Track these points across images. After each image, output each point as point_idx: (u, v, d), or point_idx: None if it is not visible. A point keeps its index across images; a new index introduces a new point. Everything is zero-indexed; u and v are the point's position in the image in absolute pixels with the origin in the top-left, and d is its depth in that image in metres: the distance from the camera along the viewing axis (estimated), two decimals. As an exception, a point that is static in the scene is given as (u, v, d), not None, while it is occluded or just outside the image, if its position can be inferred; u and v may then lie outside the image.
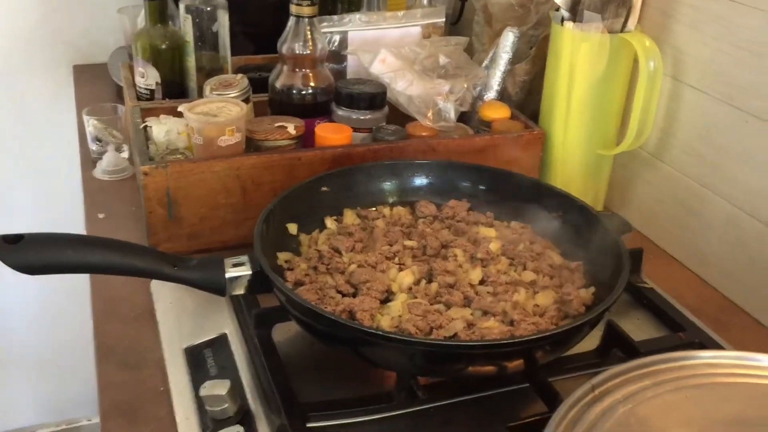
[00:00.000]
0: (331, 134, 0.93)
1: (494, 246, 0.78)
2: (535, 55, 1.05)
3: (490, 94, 1.06)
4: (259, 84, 1.04)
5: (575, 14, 0.94)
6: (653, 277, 0.87)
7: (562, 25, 0.93)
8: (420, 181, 0.87)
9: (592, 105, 0.95)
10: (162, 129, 0.91)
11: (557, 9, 0.95)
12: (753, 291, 0.83)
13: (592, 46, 0.91)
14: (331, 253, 0.77)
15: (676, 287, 0.87)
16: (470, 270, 0.75)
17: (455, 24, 1.35)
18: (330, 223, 0.83)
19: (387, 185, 0.87)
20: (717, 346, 0.75)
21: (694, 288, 0.88)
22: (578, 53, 0.92)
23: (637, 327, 0.79)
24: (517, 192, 0.85)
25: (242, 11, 1.14)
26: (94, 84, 1.38)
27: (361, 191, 0.86)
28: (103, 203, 1.00)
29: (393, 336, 0.60)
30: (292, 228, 0.80)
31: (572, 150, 0.98)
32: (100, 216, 0.97)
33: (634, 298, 0.83)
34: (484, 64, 1.06)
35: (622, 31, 0.91)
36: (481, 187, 0.87)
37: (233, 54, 1.11)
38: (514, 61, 1.05)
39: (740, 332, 0.81)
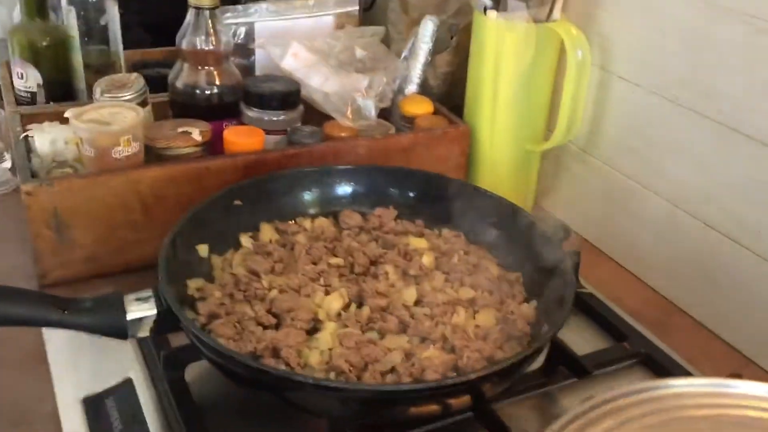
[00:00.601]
0: (242, 138, 0.84)
1: (427, 259, 0.72)
2: (456, 45, 0.99)
3: (411, 88, 0.99)
4: (158, 82, 0.93)
5: (498, 3, 0.88)
6: (590, 279, 0.83)
7: (485, 14, 0.87)
8: (342, 189, 0.80)
9: (519, 98, 0.90)
10: (46, 139, 0.80)
11: (479, -3, 0.89)
12: (693, 292, 0.80)
13: (517, 36, 0.86)
14: (248, 278, 0.69)
15: (614, 290, 0.83)
16: (404, 289, 0.68)
17: (368, 10, 1.27)
18: (245, 240, 0.75)
19: (307, 195, 0.80)
20: (662, 355, 0.72)
21: (633, 290, 0.85)
22: (503, 44, 0.87)
23: (580, 337, 0.74)
24: (447, 196, 0.79)
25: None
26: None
27: (279, 203, 0.78)
28: (-18, 224, 0.88)
29: (325, 384, 0.52)
30: (203, 250, 0.71)
31: (500, 146, 0.93)
32: (-21, 241, 0.85)
33: (574, 305, 0.78)
34: (403, 56, 0.99)
35: (547, 20, 0.86)
36: (409, 194, 0.80)
37: (127, 47, 1.00)
38: (434, 51, 0.99)
39: (683, 336, 0.78)
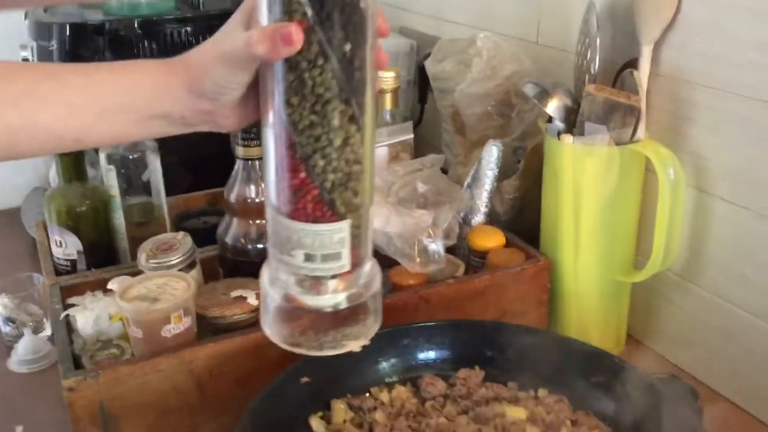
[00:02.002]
0: (303, 300, 0.75)
1: (531, 437, 0.62)
2: (523, 169, 0.91)
3: (478, 218, 0.91)
4: (205, 235, 0.86)
5: (570, 124, 0.80)
6: (711, 425, 0.71)
7: (558, 139, 0.79)
8: (421, 351, 0.71)
9: (604, 226, 0.80)
10: (89, 319, 0.72)
11: (549, 120, 0.82)
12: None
13: (599, 161, 0.77)
14: (325, 477, 0.59)
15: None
16: (512, 483, 0.57)
17: (417, 127, 1.21)
18: (316, 423, 0.65)
19: (381, 361, 0.70)
20: None
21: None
22: (583, 170, 0.78)
23: None
24: (541, 353, 0.69)
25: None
26: (4, 236, 1.17)
27: (350, 374, 0.69)
28: (22, 409, 0.79)
29: None
30: (273, 445, 0.62)
31: (586, 278, 0.83)
32: (18, 430, 0.76)
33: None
34: (465, 184, 0.91)
35: (630, 141, 0.78)
36: (497, 351, 0.70)
37: (167, 191, 0.94)
38: (499, 177, 0.91)
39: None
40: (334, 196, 0.46)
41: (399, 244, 0.81)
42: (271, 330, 0.50)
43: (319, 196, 0.46)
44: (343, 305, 0.48)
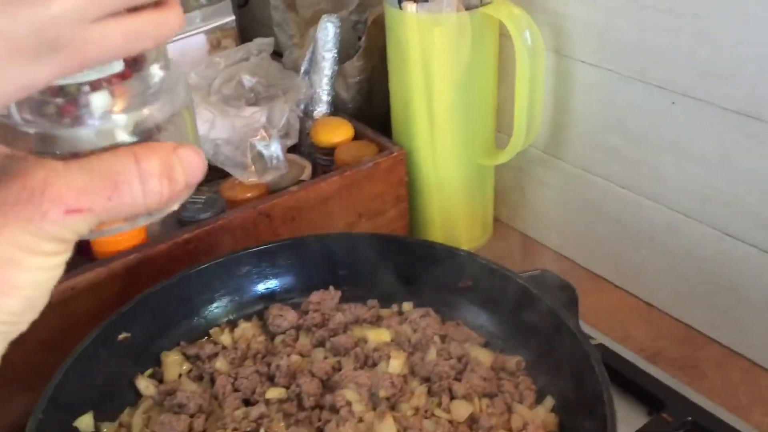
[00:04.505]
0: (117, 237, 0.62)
1: (397, 364, 0.54)
2: (366, 46, 0.79)
3: (321, 109, 0.79)
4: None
5: (414, -11, 0.68)
6: (588, 311, 0.65)
7: (400, 8, 0.67)
8: (266, 279, 0.60)
9: (460, 105, 0.71)
10: None
11: (388, -14, 0.69)
12: (718, 314, 0.65)
13: (448, 30, 0.66)
14: (158, 452, 0.49)
15: (622, 323, 0.67)
16: (377, 424, 0.49)
17: (243, 7, 1.05)
18: (145, 384, 0.54)
19: (217, 297, 0.59)
20: (709, 418, 0.56)
21: (643, 320, 0.69)
22: (431, 42, 0.67)
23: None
24: (400, 262, 0.60)
25: None
26: None
27: (180, 320, 0.58)
28: None
29: None
30: (86, 424, 0.50)
31: (446, 166, 0.74)
32: None
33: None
34: (302, 70, 0.79)
35: (481, 4, 0.67)
36: (350, 267, 0.61)
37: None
38: (340, 58, 0.78)
39: (719, 375, 0.63)
40: None
41: (228, 152, 0.69)
42: None
43: None
44: (126, 139, 0.28)
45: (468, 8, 0.66)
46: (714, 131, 0.59)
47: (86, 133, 0.27)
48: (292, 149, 0.77)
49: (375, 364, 0.54)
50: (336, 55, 0.78)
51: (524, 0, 0.68)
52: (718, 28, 0.55)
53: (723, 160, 0.59)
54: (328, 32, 0.76)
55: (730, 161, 0.58)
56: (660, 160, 0.64)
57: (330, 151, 0.75)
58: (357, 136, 0.77)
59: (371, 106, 0.82)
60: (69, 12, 0.24)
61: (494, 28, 0.69)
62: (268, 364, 0.55)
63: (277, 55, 0.86)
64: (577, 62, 0.67)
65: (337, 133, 0.76)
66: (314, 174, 0.76)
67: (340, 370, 0.54)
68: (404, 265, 0.60)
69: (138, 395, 0.54)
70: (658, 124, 0.63)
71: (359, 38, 0.79)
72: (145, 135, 0.28)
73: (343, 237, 0.62)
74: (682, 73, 0.59)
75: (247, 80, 0.73)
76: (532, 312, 0.54)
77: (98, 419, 0.51)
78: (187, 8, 0.82)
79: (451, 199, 0.76)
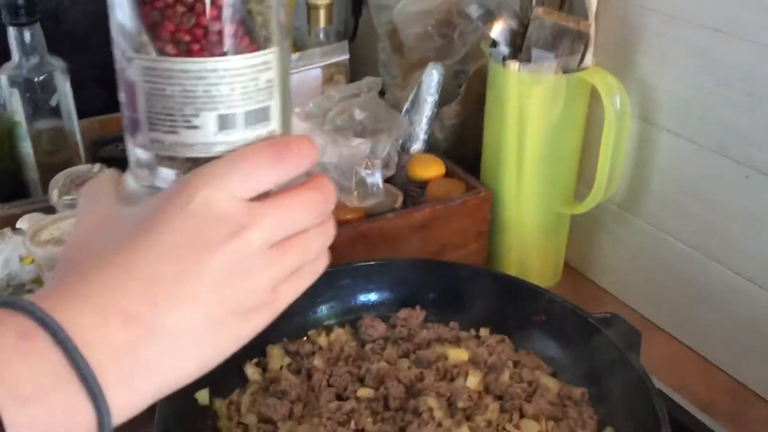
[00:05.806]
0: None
1: (473, 381, 0.60)
2: (465, 94, 0.87)
3: (417, 146, 0.87)
4: (124, 164, 0.79)
5: (515, 49, 0.76)
6: (648, 359, 0.70)
7: (503, 65, 0.75)
8: (361, 292, 0.68)
9: (547, 156, 0.78)
10: (-4, 261, 0.66)
11: (493, 44, 0.77)
12: (771, 375, 0.70)
13: (545, 90, 0.74)
14: (262, 429, 0.56)
15: (678, 373, 0.72)
16: (454, 429, 0.56)
17: (351, 41, 1.14)
18: (252, 371, 0.62)
19: (319, 303, 0.67)
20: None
21: (698, 372, 0.74)
22: (529, 98, 0.75)
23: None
24: (483, 292, 0.67)
25: (81, 46, 0.87)
26: None
27: (286, 318, 0.65)
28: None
29: None
30: (203, 396, 0.58)
31: (527, 210, 0.81)
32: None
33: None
34: (404, 110, 0.87)
35: (577, 69, 0.74)
36: (437, 290, 0.68)
37: (81, 115, 0.86)
38: (440, 102, 0.86)
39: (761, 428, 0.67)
40: (250, 5, 0.31)
41: (335, 176, 0.77)
42: None
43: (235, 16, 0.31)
44: None
45: (565, 71, 0.73)
46: (783, 206, 0.64)
47: None
48: (387, 180, 0.84)
49: (453, 379, 0.61)
50: (437, 99, 0.85)
51: (617, 68, 0.75)
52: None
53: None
54: (432, 78, 0.84)
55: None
56: (731, 226, 0.69)
57: (423, 184, 0.83)
58: (448, 174, 0.84)
59: (463, 147, 0.90)
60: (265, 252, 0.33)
61: (586, 90, 0.76)
62: (359, 367, 0.62)
63: (380, 93, 0.95)
64: (660, 129, 0.74)
65: (430, 169, 0.84)
66: (405, 204, 0.83)
67: (422, 380, 0.60)
68: (487, 294, 0.67)
69: (245, 379, 0.62)
70: (732, 193, 0.69)
71: (459, 86, 0.87)
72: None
73: (436, 263, 0.69)
74: (758, 150, 0.65)
75: (357, 114, 0.81)
76: (600, 350, 0.61)
77: (213, 395, 0.59)
78: (309, 44, 0.92)
79: (528, 241, 0.82)
